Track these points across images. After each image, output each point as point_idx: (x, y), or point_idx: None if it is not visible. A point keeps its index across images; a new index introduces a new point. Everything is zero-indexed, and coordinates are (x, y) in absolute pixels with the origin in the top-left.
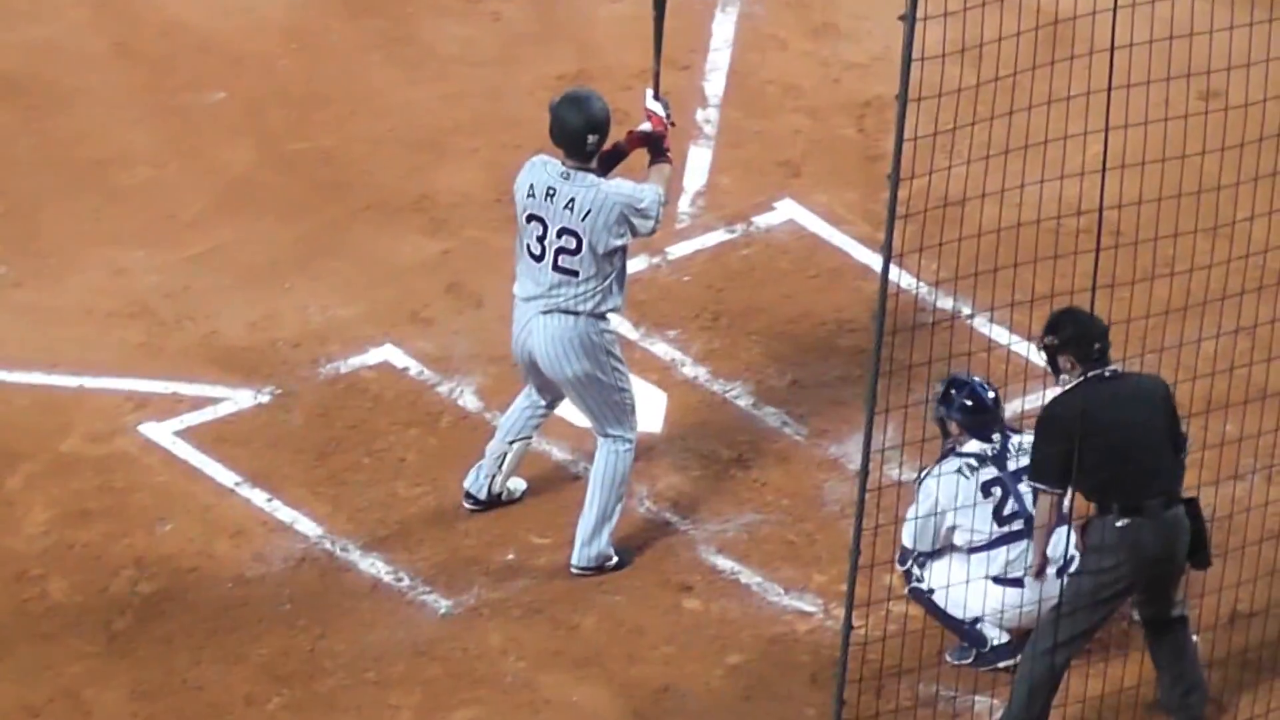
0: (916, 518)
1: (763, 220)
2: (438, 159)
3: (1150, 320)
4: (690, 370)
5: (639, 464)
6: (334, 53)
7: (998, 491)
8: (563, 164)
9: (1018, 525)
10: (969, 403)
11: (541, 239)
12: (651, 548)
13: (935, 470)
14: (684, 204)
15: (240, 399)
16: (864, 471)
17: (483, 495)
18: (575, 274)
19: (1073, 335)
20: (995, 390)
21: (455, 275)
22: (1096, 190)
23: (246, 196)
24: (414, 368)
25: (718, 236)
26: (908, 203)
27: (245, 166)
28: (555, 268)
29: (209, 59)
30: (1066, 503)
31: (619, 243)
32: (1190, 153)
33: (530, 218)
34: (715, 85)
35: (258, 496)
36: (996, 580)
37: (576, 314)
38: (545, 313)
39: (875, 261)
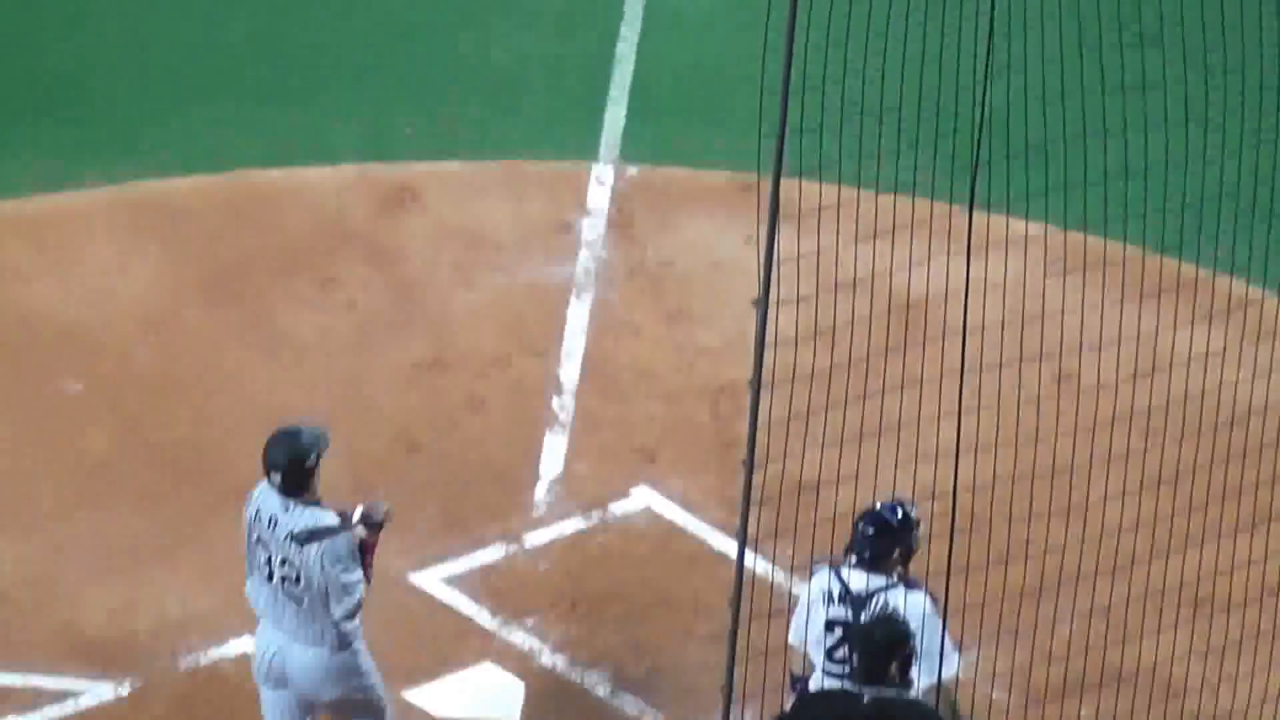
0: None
1: (619, 507)
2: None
3: (1006, 603)
4: (548, 659)
5: None
6: (191, 341)
7: (838, 632)
8: (284, 495)
9: (839, 670)
10: (861, 520)
11: (269, 562)
12: None
13: (815, 579)
14: (540, 492)
15: (100, 691)
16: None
17: None
18: (300, 602)
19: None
20: (906, 511)
21: None
22: (951, 473)
23: (105, 484)
24: None
25: (575, 524)
26: (763, 488)
27: (104, 454)
28: (284, 592)
29: (67, 347)
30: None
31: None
32: (1043, 435)
33: (258, 540)
34: (570, 371)
35: None
36: None
37: (322, 646)
38: (294, 643)
39: (731, 547)
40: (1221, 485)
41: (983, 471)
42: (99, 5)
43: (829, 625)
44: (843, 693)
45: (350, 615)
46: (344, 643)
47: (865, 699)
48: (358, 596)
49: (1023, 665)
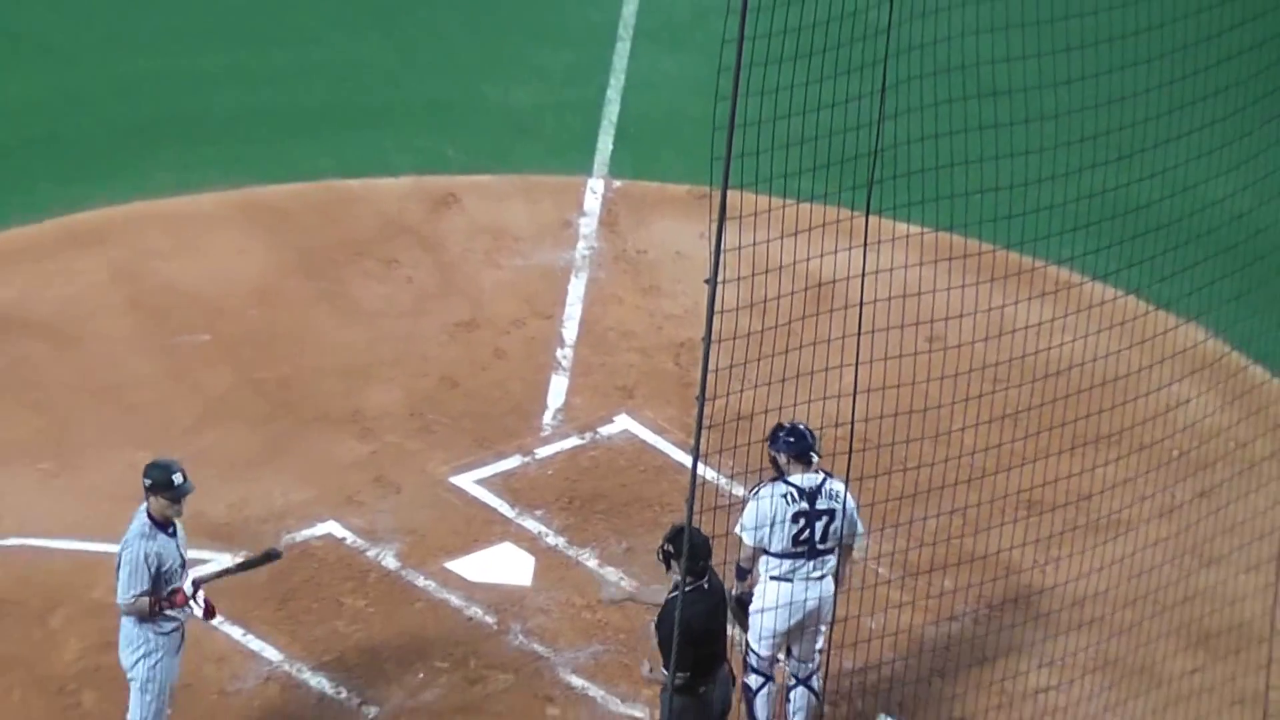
0: (744, 527)
1: (605, 430)
2: (366, 384)
3: (889, 504)
4: (553, 539)
5: (515, 608)
6: (290, 305)
7: (802, 522)
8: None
9: (802, 549)
10: (790, 438)
11: None
12: (522, 671)
13: (767, 491)
14: (547, 418)
15: (222, 560)
16: (680, 611)
17: None
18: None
19: (685, 550)
20: (811, 432)
21: (380, 470)
22: (849, 408)
23: (225, 412)
24: (350, 538)
25: (572, 442)
26: (711, 417)
27: (224, 389)
28: None
29: (197, 309)
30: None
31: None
32: (918, 380)
33: None
34: (570, 330)
35: (235, 631)
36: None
37: (121, 615)
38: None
39: (687, 460)
40: (1049, 419)
41: (873, 407)
42: (222, 61)
43: (795, 518)
44: (699, 590)
45: (123, 608)
46: (130, 617)
47: (706, 586)
48: (124, 601)
49: (901, 549)
